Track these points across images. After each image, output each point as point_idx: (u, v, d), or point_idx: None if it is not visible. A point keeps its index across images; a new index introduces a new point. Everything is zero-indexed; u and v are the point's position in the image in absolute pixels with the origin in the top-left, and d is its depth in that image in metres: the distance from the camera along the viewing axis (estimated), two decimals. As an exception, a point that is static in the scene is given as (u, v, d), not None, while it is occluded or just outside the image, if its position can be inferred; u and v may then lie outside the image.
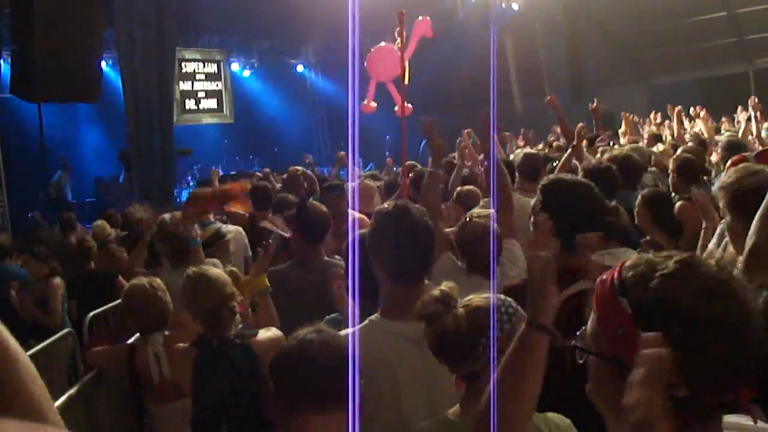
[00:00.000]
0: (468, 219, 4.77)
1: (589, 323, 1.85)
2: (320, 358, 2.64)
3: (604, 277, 1.82)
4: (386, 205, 3.58)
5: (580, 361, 1.84)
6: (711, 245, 4.52)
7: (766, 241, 2.85)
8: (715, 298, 1.65)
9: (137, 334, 5.25)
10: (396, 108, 8.28)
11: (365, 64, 10.27)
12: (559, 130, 12.66)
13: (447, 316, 2.82)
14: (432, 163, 5.25)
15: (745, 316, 1.65)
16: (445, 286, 2.95)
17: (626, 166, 6.75)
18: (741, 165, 4.03)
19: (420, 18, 9.89)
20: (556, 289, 2.40)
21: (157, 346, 4.80)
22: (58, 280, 8.10)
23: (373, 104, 10.65)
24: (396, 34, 7.70)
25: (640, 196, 5.71)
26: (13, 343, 1.37)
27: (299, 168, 9.58)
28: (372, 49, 10.37)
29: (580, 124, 8.34)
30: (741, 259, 3.65)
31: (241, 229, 7.75)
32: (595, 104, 10.58)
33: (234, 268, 5.81)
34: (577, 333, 1.89)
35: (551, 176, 4.40)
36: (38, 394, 1.37)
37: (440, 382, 3.18)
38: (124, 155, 18.96)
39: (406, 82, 7.89)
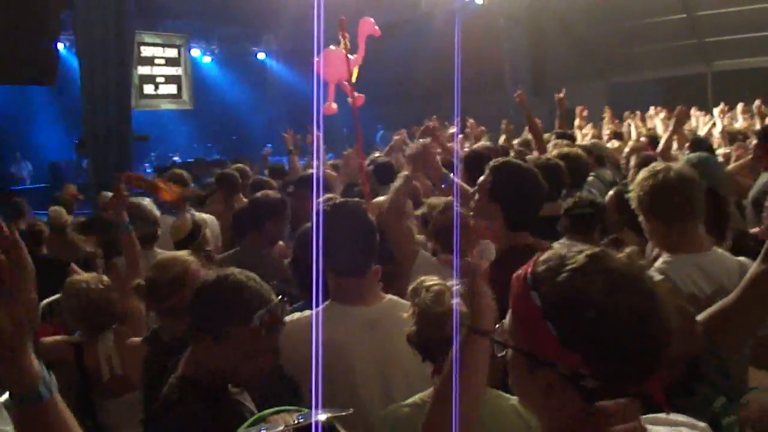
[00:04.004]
0: (443, 207, 4.81)
1: (507, 317, 1.88)
2: (243, 282, 2.91)
3: (520, 271, 1.85)
4: (324, 205, 3.57)
5: (499, 355, 1.89)
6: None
7: (740, 311, 2.85)
8: (621, 291, 1.69)
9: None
10: (348, 99, 8.44)
11: (315, 69, 10.63)
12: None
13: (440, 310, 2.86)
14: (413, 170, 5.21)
15: (651, 309, 1.70)
16: (435, 283, 2.98)
17: (574, 163, 6.73)
18: (648, 167, 4.09)
19: (363, 19, 10.19)
20: (488, 293, 2.45)
21: (109, 344, 4.68)
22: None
23: (334, 105, 10.98)
24: (340, 38, 7.95)
25: (611, 193, 5.71)
26: None
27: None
28: (320, 55, 10.69)
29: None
30: (663, 257, 3.83)
31: (214, 217, 7.68)
32: (562, 94, 10.58)
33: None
34: (497, 326, 1.96)
35: (501, 159, 4.47)
36: None
37: (395, 365, 3.27)
38: (82, 143, 18.79)
39: (354, 80, 8.10)
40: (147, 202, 6.43)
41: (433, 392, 2.62)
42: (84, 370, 4.73)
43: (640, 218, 4.00)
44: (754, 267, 2.82)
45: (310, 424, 1.62)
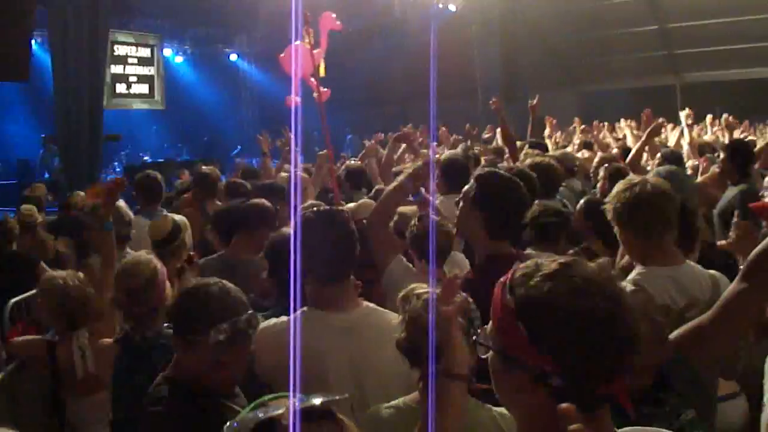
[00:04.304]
0: (420, 216, 4.88)
1: (490, 322, 1.97)
2: (213, 294, 3.03)
3: (503, 279, 1.94)
4: (307, 212, 3.59)
5: (482, 357, 1.97)
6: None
7: (715, 330, 2.90)
8: (587, 296, 1.78)
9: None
10: (314, 95, 8.53)
11: (281, 64, 10.84)
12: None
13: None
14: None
15: (615, 313, 1.78)
16: (425, 291, 2.99)
17: (546, 173, 6.77)
18: (625, 179, 4.15)
19: (324, 14, 10.37)
20: (461, 341, 2.53)
21: (83, 341, 4.67)
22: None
23: (297, 99, 11.09)
24: (304, 33, 8.07)
25: (582, 203, 5.76)
26: None
27: None
28: (285, 50, 10.86)
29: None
30: (638, 269, 3.89)
31: (185, 218, 7.66)
32: (535, 101, 10.64)
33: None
34: (478, 331, 2.05)
35: (486, 168, 4.57)
36: None
37: (370, 371, 3.31)
38: (49, 139, 18.69)
39: (323, 74, 8.22)
40: (122, 203, 6.42)
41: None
42: (57, 368, 4.72)
43: (616, 230, 4.05)
44: (730, 288, 2.86)
45: (308, 406, 1.67)
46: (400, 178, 4.70)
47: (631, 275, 3.80)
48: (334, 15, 10.63)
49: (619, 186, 4.01)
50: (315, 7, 10.48)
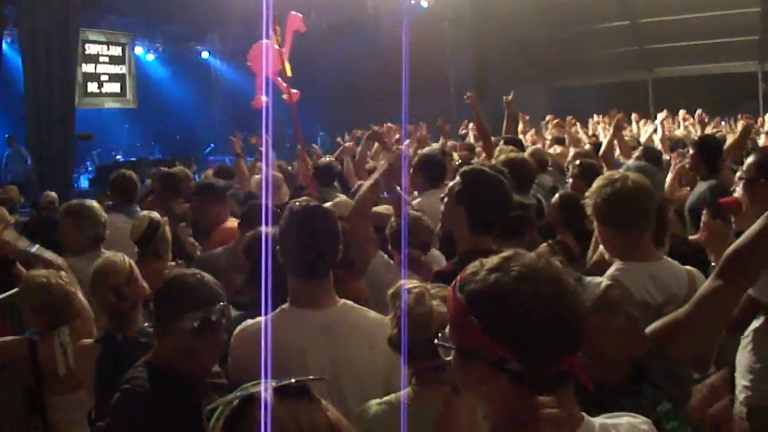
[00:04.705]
0: (401, 213, 4.93)
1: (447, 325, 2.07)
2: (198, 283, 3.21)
3: (454, 281, 2.04)
4: (296, 205, 3.60)
5: (447, 359, 2.05)
6: (602, 246, 4.67)
7: (691, 326, 2.94)
8: (529, 280, 1.89)
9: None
10: (284, 96, 8.55)
11: (249, 61, 10.90)
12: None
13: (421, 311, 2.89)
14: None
15: (558, 294, 1.90)
16: (415, 285, 3.01)
17: (520, 169, 6.81)
18: (605, 175, 4.17)
19: (292, 13, 10.39)
20: None
21: (65, 338, 4.66)
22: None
23: (264, 99, 11.22)
24: (272, 32, 8.21)
25: (556, 197, 5.82)
26: None
27: None
28: (252, 49, 10.90)
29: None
30: (616, 264, 3.91)
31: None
32: (510, 97, 10.68)
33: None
34: (439, 334, 2.10)
35: (472, 165, 4.57)
36: None
37: (348, 368, 3.31)
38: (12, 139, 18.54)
39: (289, 74, 8.22)
40: (94, 204, 6.38)
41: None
42: (38, 366, 4.71)
43: (594, 225, 4.07)
44: (706, 284, 2.90)
45: (289, 383, 1.77)
46: (374, 175, 4.71)
47: (609, 271, 3.82)
48: (301, 16, 10.66)
49: (600, 181, 4.00)
50: (287, 4, 10.46)
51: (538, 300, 1.87)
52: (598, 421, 2.04)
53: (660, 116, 12.03)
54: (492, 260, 1.97)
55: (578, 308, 1.94)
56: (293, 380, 1.78)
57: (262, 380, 1.83)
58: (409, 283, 3.02)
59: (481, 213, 3.99)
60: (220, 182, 7.56)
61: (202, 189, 7.10)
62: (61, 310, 4.71)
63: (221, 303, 3.19)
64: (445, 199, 4.13)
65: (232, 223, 6.35)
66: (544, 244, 5.65)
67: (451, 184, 4.15)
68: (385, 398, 3.00)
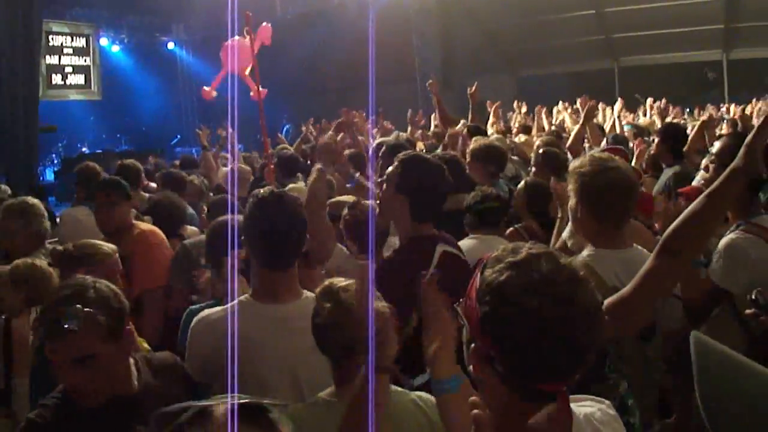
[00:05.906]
0: (354, 203, 4.98)
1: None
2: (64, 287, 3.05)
3: (483, 258, 1.98)
4: (262, 192, 3.58)
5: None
6: (565, 233, 4.70)
7: (635, 301, 2.97)
8: (536, 294, 1.79)
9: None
10: (251, 93, 8.56)
11: (221, 56, 10.96)
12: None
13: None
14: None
15: (562, 319, 1.78)
16: (348, 283, 2.95)
17: (497, 156, 6.90)
18: (602, 154, 4.14)
19: (264, 24, 10.45)
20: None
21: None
22: None
23: (213, 93, 11.34)
24: (245, 33, 8.24)
25: (522, 184, 5.87)
26: None
27: None
28: (225, 43, 10.95)
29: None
30: (588, 249, 3.88)
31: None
32: (474, 89, 10.70)
33: None
34: (459, 301, 2.04)
35: (409, 152, 4.57)
36: None
37: (305, 362, 3.29)
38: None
39: (257, 77, 8.28)
40: (30, 199, 6.30)
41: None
42: (9, 344, 4.70)
43: (573, 203, 3.93)
44: (648, 261, 2.93)
45: (249, 402, 1.64)
46: (318, 165, 4.66)
47: (581, 255, 3.82)
48: (270, 30, 10.76)
49: (594, 164, 3.88)
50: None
51: (538, 319, 1.77)
52: (578, 412, 1.97)
53: (617, 106, 12.16)
54: (520, 252, 1.89)
55: (583, 338, 1.80)
56: (252, 400, 1.68)
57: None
58: (338, 282, 2.96)
59: (422, 200, 4.00)
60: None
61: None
62: (38, 288, 4.70)
63: (76, 306, 2.88)
64: (384, 186, 4.11)
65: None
66: (512, 228, 5.71)
67: (388, 171, 4.14)
68: (310, 400, 2.99)
